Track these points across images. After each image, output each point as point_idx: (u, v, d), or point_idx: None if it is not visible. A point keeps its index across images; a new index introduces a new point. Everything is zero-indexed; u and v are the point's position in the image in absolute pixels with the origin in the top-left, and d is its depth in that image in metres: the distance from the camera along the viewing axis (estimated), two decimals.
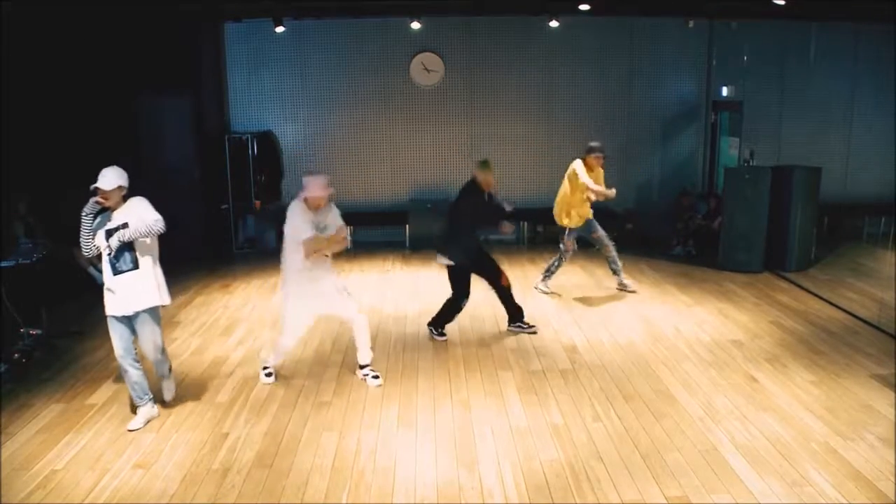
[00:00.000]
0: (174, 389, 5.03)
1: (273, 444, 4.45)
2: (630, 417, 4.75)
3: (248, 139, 9.64)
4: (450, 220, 6.27)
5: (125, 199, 4.56)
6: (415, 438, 4.51)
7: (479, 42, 10.07)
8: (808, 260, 8.65)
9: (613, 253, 7.54)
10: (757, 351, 5.94)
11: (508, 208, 6.26)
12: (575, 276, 8.36)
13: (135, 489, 3.95)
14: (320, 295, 5.22)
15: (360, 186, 10.33)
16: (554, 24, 9.43)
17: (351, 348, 6.01)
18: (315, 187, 5.10)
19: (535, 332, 6.42)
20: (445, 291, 6.32)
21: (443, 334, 6.33)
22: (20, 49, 7.24)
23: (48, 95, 7.64)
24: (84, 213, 4.47)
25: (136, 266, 4.55)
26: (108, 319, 4.62)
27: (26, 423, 4.74)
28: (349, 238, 5.36)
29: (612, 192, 7.16)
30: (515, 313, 6.48)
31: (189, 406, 5.01)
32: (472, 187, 6.12)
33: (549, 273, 7.69)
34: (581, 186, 7.14)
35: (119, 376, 5.09)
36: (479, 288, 7.03)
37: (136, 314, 4.59)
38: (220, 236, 9.79)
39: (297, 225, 5.05)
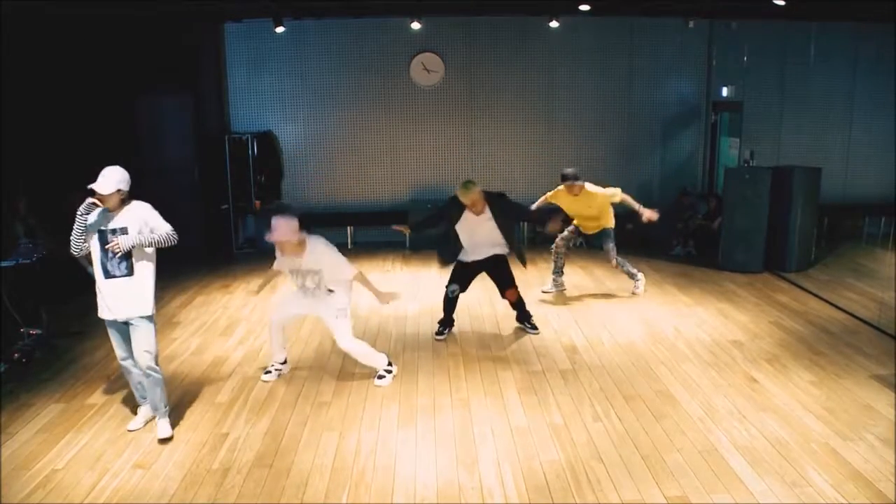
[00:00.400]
0: (170, 430, 4.51)
1: (273, 444, 4.45)
2: (630, 418, 4.75)
3: (248, 139, 9.64)
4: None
5: (125, 201, 4.40)
6: (415, 438, 4.51)
7: (479, 42, 10.07)
8: (808, 260, 8.65)
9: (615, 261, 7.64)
10: (757, 351, 5.94)
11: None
12: (575, 276, 8.36)
13: (135, 489, 3.95)
14: (310, 304, 5.26)
15: (360, 186, 10.33)
16: (554, 24, 9.43)
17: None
18: (276, 230, 4.84)
19: (537, 333, 6.43)
20: (444, 291, 6.33)
21: (441, 333, 6.38)
22: (20, 49, 7.24)
23: (48, 95, 7.64)
24: (79, 213, 4.30)
25: (130, 272, 4.37)
26: (105, 322, 4.50)
27: (26, 423, 4.74)
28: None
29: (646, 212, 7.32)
30: (522, 314, 6.54)
31: (189, 406, 5.01)
32: (454, 201, 6.02)
33: (627, 271, 7.74)
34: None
35: (120, 376, 5.09)
36: (479, 287, 7.04)
37: (131, 319, 4.42)
38: (220, 236, 9.79)
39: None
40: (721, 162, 10.32)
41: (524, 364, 5.72)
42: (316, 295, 5.20)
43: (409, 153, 10.33)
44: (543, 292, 7.70)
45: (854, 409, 4.85)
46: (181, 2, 8.16)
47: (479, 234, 6.05)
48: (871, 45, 10.01)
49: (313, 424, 4.71)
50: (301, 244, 4.94)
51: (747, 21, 9.67)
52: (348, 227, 10.20)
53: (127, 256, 4.36)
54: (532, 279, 8.30)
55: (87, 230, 4.34)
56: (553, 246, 7.65)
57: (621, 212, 10.07)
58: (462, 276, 6.33)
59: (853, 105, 10.35)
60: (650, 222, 7.34)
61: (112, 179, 4.28)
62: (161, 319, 6.66)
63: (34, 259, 6.10)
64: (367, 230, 10.36)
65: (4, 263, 5.96)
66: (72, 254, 4.37)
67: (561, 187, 7.26)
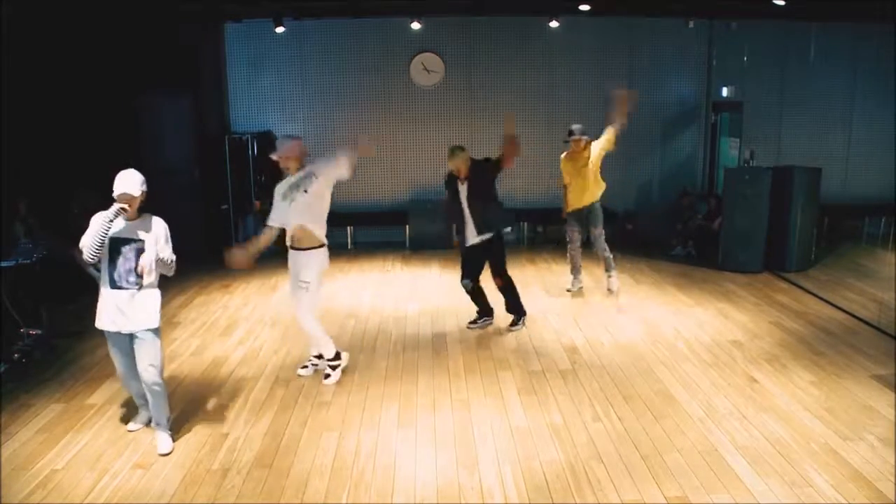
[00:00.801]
0: (171, 444, 4.39)
1: (273, 444, 4.45)
2: (630, 418, 4.75)
3: (248, 139, 9.64)
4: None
5: (141, 211, 4.27)
6: (415, 438, 4.51)
7: (479, 42, 10.07)
8: (808, 260, 8.65)
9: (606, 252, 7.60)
10: (757, 351, 5.94)
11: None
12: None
13: (135, 489, 3.95)
14: (292, 275, 5.32)
15: (360, 186, 10.33)
16: (554, 24, 9.43)
17: (351, 349, 6.02)
18: (285, 146, 5.17)
19: (517, 329, 6.50)
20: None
21: (475, 322, 6.58)
22: (20, 49, 7.24)
23: (49, 95, 7.64)
24: (106, 219, 4.09)
25: (138, 285, 4.22)
26: (106, 334, 4.31)
27: (26, 423, 4.73)
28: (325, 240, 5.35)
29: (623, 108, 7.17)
30: (512, 305, 6.56)
31: (189, 406, 5.00)
32: (449, 178, 6.29)
33: (607, 267, 7.70)
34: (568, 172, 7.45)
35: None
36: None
37: (136, 332, 4.26)
38: (220, 236, 9.78)
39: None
40: (721, 162, 10.31)
41: (524, 364, 5.72)
42: (299, 220, 5.15)
43: (409, 153, 10.33)
44: (567, 291, 7.71)
45: (854, 409, 4.85)
46: (181, 2, 8.17)
47: (468, 205, 6.17)
48: (871, 45, 10.01)
49: (313, 424, 4.71)
50: (301, 163, 5.19)
51: (747, 21, 9.68)
52: (348, 227, 10.20)
53: (135, 268, 4.20)
54: (531, 279, 8.30)
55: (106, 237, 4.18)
56: (568, 246, 7.67)
57: (621, 209, 10.13)
58: (468, 267, 6.37)
59: (853, 105, 10.35)
60: (633, 100, 7.22)
61: (136, 181, 4.15)
62: (161, 320, 6.64)
63: (34, 259, 6.09)
64: (367, 230, 10.36)
65: (4, 263, 5.95)
66: (84, 260, 4.18)
67: (563, 154, 7.34)
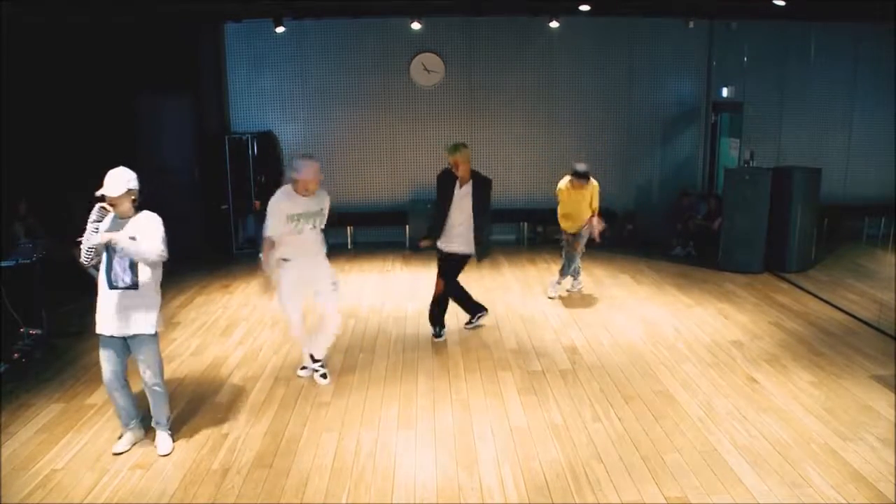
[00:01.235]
0: (171, 444, 4.38)
1: (273, 445, 4.45)
2: (630, 418, 4.75)
3: (248, 139, 9.64)
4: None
5: (137, 205, 4.19)
6: (415, 438, 4.51)
7: (479, 42, 10.07)
8: (808, 261, 8.65)
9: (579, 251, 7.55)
10: (757, 352, 5.94)
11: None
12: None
13: (135, 489, 3.95)
14: (310, 277, 5.18)
15: (360, 186, 10.33)
16: (554, 24, 9.43)
17: (351, 349, 6.02)
18: (305, 170, 5.01)
19: (482, 324, 6.52)
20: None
21: (470, 322, 6.54)
22: (20, 49, 7.24)
23: (49, 95, 7.65)
24: (90, 220, 4.08)
25: (134, 285, 4.16)
26: (100, 338, 4.23)
27: (26, 423, 4.74)
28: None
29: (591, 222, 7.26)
30: (468, 308, 6.55)
31: (189, 406, 5.01)
32: (443, 174, 5.99)
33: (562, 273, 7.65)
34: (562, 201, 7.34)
35: None
36: (479, 288, 7.04)
37: (134, 336, 4.22)
38: (220, 236, 9.79)
39: (271, 212, 5.03)
40: (721, 162, 10.31)
41: (524, 364, 5.72)
42: (310, 245, 5.14)
43: (409, 153, 10.33)
44: (568, 291, 7.68)
45: (854, 409, 4.85)
46: (181, 2, 8.16)
47: (458, 209, 5.92)
48: (871, 45, 10.01)
49: (313, 424, 4.71)
50: (317, 186, 5.12)
51: (747, 21, 9.68)
52: (348, 227, 10.20)
53: (132, 268, 4.15)
54: (531, 279, 8.30)
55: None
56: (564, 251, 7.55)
57: (621, 209, 10.14)
58: (440, 267, 6.25)
59: (853, 105, 10.35)
60: (596, 231, 7.28)
61: (120, 180, 4.06)
62: (161, 320, 6.64)
63: (34, 259, 6.09)
64: (367, 230, 10.36)
65: (4, 263, 5.95)
66: (81, 263, 4.17)
67: (564, 182, 7.25)
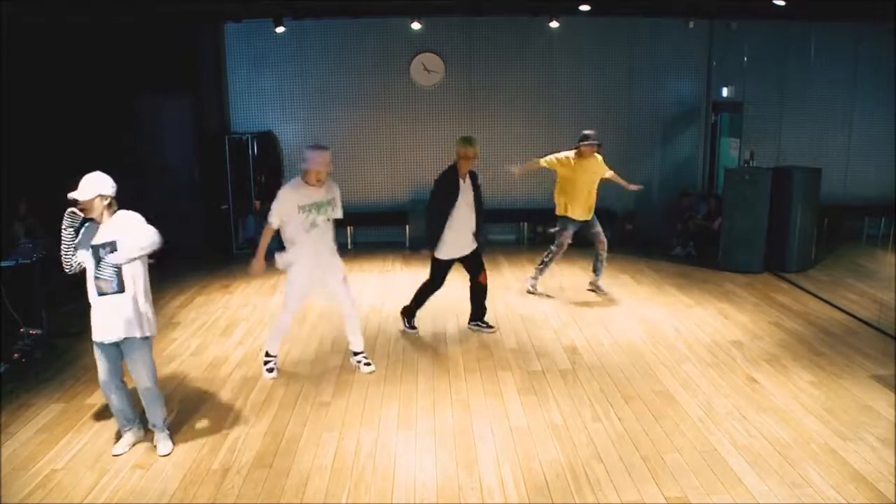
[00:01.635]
0: (170, 445, 4.38)
1: (273, 444, 4.45)
2: (630, 418, 4.75)
3: (248, 139, 9.64)
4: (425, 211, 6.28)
5: (112, 209, 4.14)
6: (415, 438, 4.51)
7: (479, 42, 10.07)
8: (808, 261, 8.65)
9: (602, 252, 7.48)
10: (757, 352, 5.94)
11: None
12: (574, 276, 8.36)
13: (135, 489, 3.95)
14: (321, 276, 5.30)
15: (360, 186, 10.33)
16: (554, 24, 9.43)
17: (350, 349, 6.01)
18: (314, 159, 5.04)
19: (494, 331, 6.44)
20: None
21: (413, 326, 6.49)
22: (20, 49, 7.24)
23: (49, 95, 7.65)
24: (63, 227, 4.03)
25: (121, 289, 4.11)
26: (94, 344, 4.22)
27: (26, 423, 4.74)
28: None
29: (632, 186, 7.19)
30: (479, 312, 6.51)
31: (189, 406, 5.01)
32: (445, 173, 6.02)
33: (542, 266, 7.60)
34: (569, 174, 7.15)
35: None
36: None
37: (125, 339, 4.19)
38: (220, 236, 9.79)
39: (278, 201, 5.10)
40: (721, 162, 10.31)
41: (524, 364, 5.72)
42: (323, 243, 5.24)
43: (409, 153, 10.33)
44: (530, 292, 7.65)
45: (854, 409, 4.85)
46: (181, 2, 8.16)
47: (464, 205, 6.00)
48: (871, 45, 10.01)
49: (313, 424, 4.71)
50: (327, 176, 5.13)
51: (747, 21, 9.68)
52: (348, 227, 10.20)
53: (116, 272, 4.11)
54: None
55: (79, 246, 4.10)
56: (555, 250, 7.48)
57: (620, 210, 10.13)
58: (446, 274, 6.31)
59: (853, 105, 10.35)
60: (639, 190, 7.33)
61: (91, 184, 4.01)
62: (161, 319, 6.66)
63: (34, 259, 6.09)
64: (367, 230, 10.36)
65: (4, 263, 5.96)
66: (66, 271, 4.12)
67: (569, 154, 7.10)
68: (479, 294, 6.43)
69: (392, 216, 10.21)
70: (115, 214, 4.16)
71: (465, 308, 6.72)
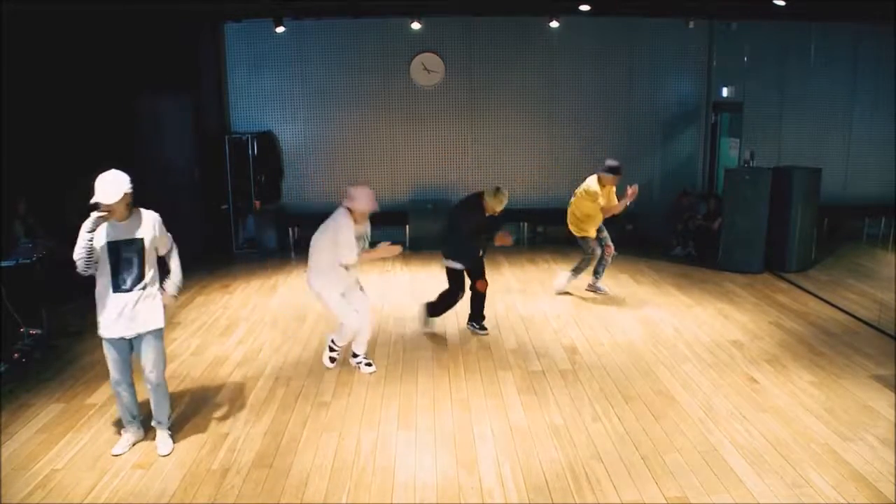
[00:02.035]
0: (171, 444, 4.40)
1: (273, 444, 4.45)
2: (630, 418, 4.75)
3: (248, 139, 9.64)
4: (451, 230, 6.31)
5: (132, 208, 4.14)
6: (415, 438, 4.51)
7: (479, 42, 10.07)
8: (808, 261, 8.65)
9: (608, 257, 7.50)
10: (757, 352, 5.94)
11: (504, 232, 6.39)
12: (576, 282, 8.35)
13: (135, 489, 3.95)
14: (349, 286, 5.46)
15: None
16: (554, 24, 9.43)
17: (350, 349, 6.01)
18: (364, 200, 5.19)
19: (486, 334, 6.45)
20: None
21: (484, 328, 6.50)
22: (20, 49, 7.24)
23: (48, 95, 7.64)
24: (85, 229, 3.96)
25: (142, 286, 4.15)
26: (105, 341, 4.20)
27: (26, 423, 4.74)
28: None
29: (626, 202, 7.14)
30: (477, 315, 6.52)
31: (189, 406, 5.00)
32: (475, 204, 6.14)
33: (577, 271, 7.63)
34: (598, 206, 7.17)
35: None
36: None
37: (141, 334, 4.22)
38: (220, 236, 9.79)
39: (349, 240, 5.18)
40: (721, 162, 10.32)
41: (524, 364, 5.72)
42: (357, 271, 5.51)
43: (409, 153, 10.33)
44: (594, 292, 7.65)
45: (854, 409, 4.85)
46: (181, 2, 8.16)
47: (481, 229, 6.22)
48: (871, 45, 10.02)
49: (313, 424, 4.71)
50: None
51: (747, 21, 9.68)
52: None
53: (139, 267, 4.13)
54: (531, 279, 8.30)
55: (96, 243, 4.07)
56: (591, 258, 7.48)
57: (621, 212, 10.11)
58: (463, 280, 6.37)
59: (853, 105, 10.35)
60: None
61: (115, 185, 3.97)
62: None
63: (34, 259, 6.10)
64: None
65: (4, 263, 5.96)
66: (81, 273, 4.07)
67: (596, 188, 7.11)
68: (476, 299, 6.46)
69: (392, 216, 10.19)
70: (135, 212, 4.18)
71: (466, 308, 6.72)
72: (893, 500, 3.77)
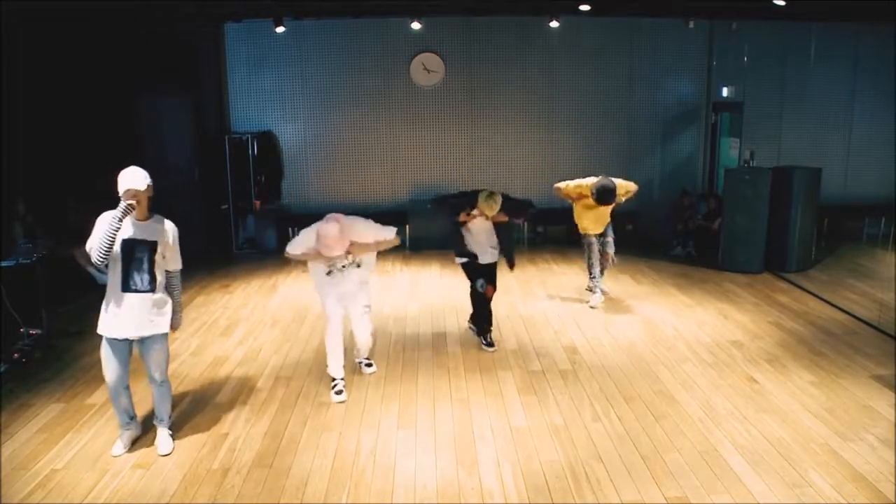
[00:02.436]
0: (171, 444, 4.39)
1: (273, 444, 4.45)
2: (630, 418, 4.75)
3: (248, 139, 9.64)
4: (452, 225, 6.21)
5: (151, 211, 4.16)
6: (415, 438, 4.51)
7: (479, 42, 10.07)
8: (808, 261, 8.65)
9: (606, 263, 7.40)
10: (757, 352, 5.94)
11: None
12: (575, 277, 8.36)
13: (135, 489, 3.95)
14: (342, 293, 5.18)
15: (360, 186, 10.33)
16: (554, 24, 9.43)
17: (351, 349, 6.01)
18: (322, 243, 4.80)
19: (495, 350, 6.19)
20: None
21: (490, 343, 6.13)
22: (20, 49, 7.24)
23: (48, 95, 7.64)
24: (114, 219, 3.93)
25: (152, 288, 4.14)
26: (106, 340, 4.16)
27: (26, 423, 4.74)
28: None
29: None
30: (483, 327, 6.33)
31: (189, 406, 5.01)
32: (469, 200, 5.93)
33: (591, 273, 7.45)
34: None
35: None
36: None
37: (147, 336, 4.21)
38: (220, 236, 9.79)
39: (302, 238, 4.95)
40: (721, 162, 10.31)
41: (524, 364, 5.72)
42: (347, 276, 5.19)
43: (409, 153, 10.33)
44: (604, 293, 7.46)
45: (854, 409, 4.85)
46: (181, 2, 8.16)
47: (480, 233, 6.03)
48: (871, 45, 10.02)
49: (313, 424, 4.71)
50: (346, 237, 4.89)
51: (747, 21, 9.68)
52: None
53: (150, 270, 4.12)
54: (531, 279, 8.30)
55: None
56: (591, 254, 7.30)
57: (621, 211, 10.11)
58: (477, 273, 6.27)
59: (853, 105, 10.35)
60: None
61: (140, 175, 4.00)
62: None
63: (34, 259, 6.10)
64: None
65: (4, 263, 5.96)
66: (94, 263, 4.02)
67: (583, 184, 6.93)
68: (482, 306, 6.31)
69: (392, 216, 10.17)
70: (155, 216, 4.20)
71: (466, 308, 6.71)
72: (893, 500, 3.77)
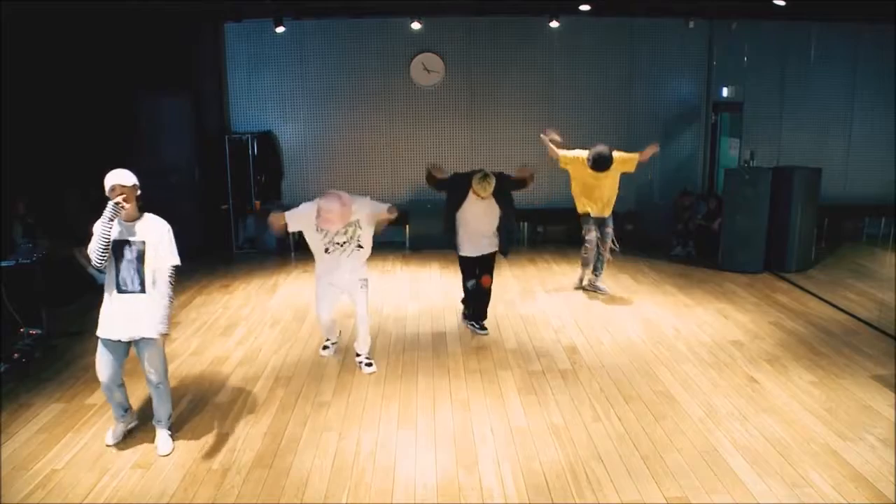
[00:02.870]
0: (171, 444, 4.38)
1: (273, 444, 4.45)
2: (630, 418, 4.74)
3: (248, 139, 9.64)
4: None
5: (142, 210, 4.19)
6: (415, 438, 4.51)
7: (479, 42, 10.07)
8: (809, 261, 8.66)
9: (603, 252, 7.49)
10: (757, 352, 5.94)
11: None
12: (574, 276, 8.35)
13: (135, 489, 3.95)
14: (337, 282, 5.42)
15: (360, 186, 10.31)
16: (554, 24, 9.43)
17: (351, 349, 6.02)
18: (323, 211, 5.08)
19: (486, 334, 6.40)
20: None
21: (483, 327, 6.44)
22: (20, 49, 7.24)
23: (48, 95, 7.64)
24: (106, 218, 3.98)
25: (142, 289, 4.14)
26: (100, 341, 4.19)
27: (26, 423, 4.73)
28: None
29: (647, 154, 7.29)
30: (479, 313, 6.49)
31: (189, 406, 5.00)
32: (464, 182, 6.04)
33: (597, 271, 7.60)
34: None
35: None
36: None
37: (141, 338, 4.21)
38: (220, 236, 9.79)
39: (298, 210, 5.29)
40: (721, 162, 10.32)
41: (524, 364, 5.72)
42: (344, 260, 5.38)
43: (409, 153, 10.33)
44: (582, 288, 7.61)
45: (854, 409, 4.85)
46: (181, 2, 8.17)
47: (478, 215, 6.07)
48: (871, 45, 10.02)
49: (313, 424, 4.71)
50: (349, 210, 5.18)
51: (747, 21, 9.68)
52: None
53: (139, 271, 4.13)
54: (531, 279, 8.30)
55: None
56: (587, 246, 7.43)
57: (621, 210, 10.12)
58: (471, 270, 6.35)
59: (853, 105, 10.35)
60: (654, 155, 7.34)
61: (126, 173, 4.06)
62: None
63: (34, 259, 6.09)
64: None
65: (4, 263, 5.96)
66: (94, 266, 4.06)
67: (580, 156, 7.12)
68: (479, 295, 6.41)
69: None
70: (144, 216, 4.21)
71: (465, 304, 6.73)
72: (893, 500, 3.77)
